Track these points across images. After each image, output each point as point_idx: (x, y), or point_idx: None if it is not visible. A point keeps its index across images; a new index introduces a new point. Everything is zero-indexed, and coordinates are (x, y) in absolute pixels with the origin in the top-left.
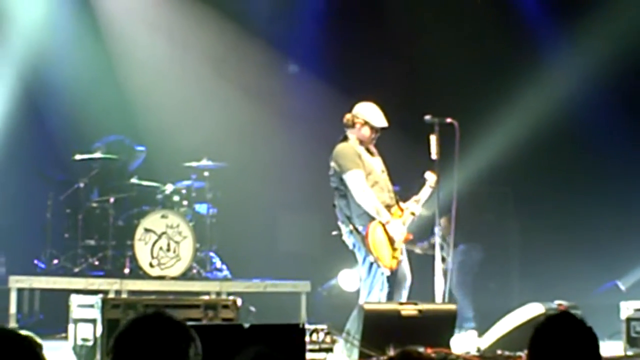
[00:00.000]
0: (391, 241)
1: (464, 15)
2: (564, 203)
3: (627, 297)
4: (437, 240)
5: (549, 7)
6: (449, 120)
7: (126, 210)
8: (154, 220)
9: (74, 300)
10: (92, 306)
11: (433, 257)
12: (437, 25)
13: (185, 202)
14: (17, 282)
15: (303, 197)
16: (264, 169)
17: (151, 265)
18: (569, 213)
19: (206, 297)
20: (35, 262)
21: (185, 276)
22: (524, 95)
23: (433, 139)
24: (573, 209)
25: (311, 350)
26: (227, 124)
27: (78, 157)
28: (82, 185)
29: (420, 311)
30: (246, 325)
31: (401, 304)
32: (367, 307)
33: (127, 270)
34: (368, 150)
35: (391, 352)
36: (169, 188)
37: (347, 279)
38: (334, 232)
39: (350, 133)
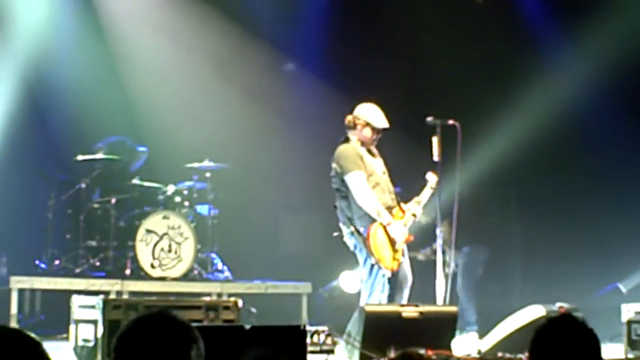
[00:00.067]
0: (392, 243)
1: (467, 16)
2: (565, 205)
3: (628, 300)
4: (439, 241)
5: (552, 8)
6: (451, 122)
7: (128, 211)
8: (155, 221)
9: (75, 300)
10: (93, 307)
11: (435, 260)
12: (440, 27)
13: (186, 203)
14: (18, 282)
15: (304, 199)
16: (265, 170)
17: (152, 266)
18: (570, 215)
19: (207, 298)
20: (37, 262)
21: (186, 277)
22: (526, 97)
23: (435, 140)
24: (575, 211)
25: (312, 352)
26: (229, 125)
27: (80, 157)
28: (83, 185)
29: (421, 313)
30: (247, 326)
31: (402, 305)
32: (368, 308)
33: (128, 271)
34: (369, 151)
35: (392, 354)
36: (170, 189)
37: (348, 281)
38: (335, 234)
39: (351, 134)
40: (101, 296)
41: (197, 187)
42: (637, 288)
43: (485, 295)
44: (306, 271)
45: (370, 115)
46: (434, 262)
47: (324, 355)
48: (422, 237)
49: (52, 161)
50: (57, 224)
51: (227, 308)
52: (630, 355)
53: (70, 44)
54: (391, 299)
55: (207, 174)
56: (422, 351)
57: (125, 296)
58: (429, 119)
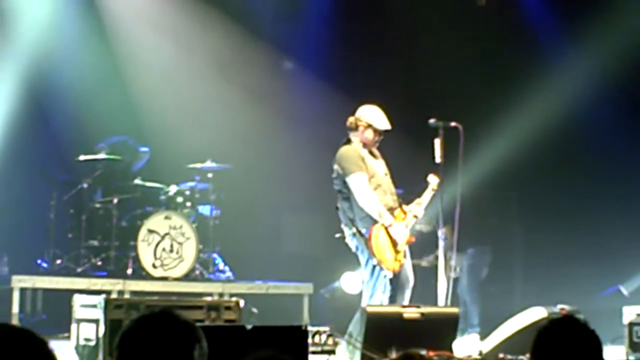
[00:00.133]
0: (394, 244)
1: (469, 18)
2: (567, 207)
3: (630, 302)
4: (441, 243)
5: (554, 9)
6: (453, 123)
7: (129, 211)
8: (157, 221)
9: (77, 300)
10: (95, 306)
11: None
12: (442, 28)
13: (188, 204)
14: (20, 281)
15: (306, 199)
16: (267, 170)
17: (154, 266)
18: (572, 217)
19: (209, 299)
20: (38, 261)
21: (188, 277)
22: (528, 99)
23: (437, 142)
24: (577, 213)
25: (313, 353)
26: (231, 126)
27: (82, 157)
28: (85, 185)
29: (422, 314)
30: (249, 326)
31: (404, 306)
32: (369, 309)
33: (129, 271)
34: (371, 153)
35: (393, 355)
36: (172, 189)
37: (350, 281)
38: (337, 235)
39: (353, 136)
40: (103, 296)
41: (199, 188)
42: (639, 290)
43: (486, 296)
44: (308, 272)
45: (372, 116)
46: (437, 265)
47: (325, 356)
48: (425, 245)
49: (54, 161)
50: (59, 223)
51: (228, 308)
52: (632, 358)
53: (72, 44)
54: (393, 300)
55: (209, 175)
56: (423, 352)
57: (126, 296)
58: (431, 120)
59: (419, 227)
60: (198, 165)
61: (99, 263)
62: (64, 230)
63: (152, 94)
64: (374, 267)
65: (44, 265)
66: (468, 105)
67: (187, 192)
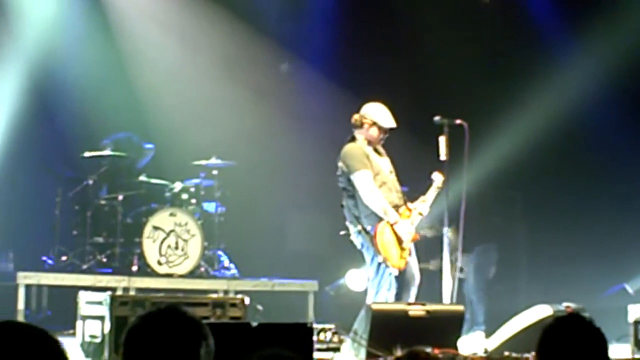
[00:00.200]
0: (399, 241)
1: (474, 16)
2: (572, 206)
3: (635, 300)
4: (446, 240)
5: (559, 8)
6: (458, 121)
7: (135, 207)
8: (162, 218)
9: (83, 297)
10: (100, 303)
11: (444, 262)
12: (447, 26)
13: (193, 201)
14: (25, 278)
15: (311, 197)
16: (272, 168)
17: (159, 263)
18: (576, 216)
19: (214, 296)
20: (44, 258)
21: (193, 274)
22: (533, 98)
23: (442, 140)
24: (581, 211)
25: (319, 350)
26: (236, 123)
27: (87, 154)
28: (90, 182)
29: (427, 312)
30: (254, 323)
31: (409, 304)
32: (374, 307)
33: (135, 268)
34: (376, 150)
35: (398, 352)
36: (177, 186)
37: (355, 279)
38: (342, 232)
39: (358, 133)
40: (108, 292)
41: (204, 185)
42: None
43: (491, 295)
44: (313, 269)
45: (377, 114)
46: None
47: (331, 353)
48: (431, 249)
49: (59, 158)
50: (64, 220)
51: (233, 305)
52: (637, 356)
53: (77, 41)
54: (398, 297)
55: (214, 172)
56: (428, 350)
57: (132, 293)
58: (436, 118)
59: (423, 232)
60: (203, 162)
61: (104, 260)
62: (69, 227)
63: (157, 91)
64: (379, 264)
65: (49, 262)
66: (472, 104)
67: (192, 189)
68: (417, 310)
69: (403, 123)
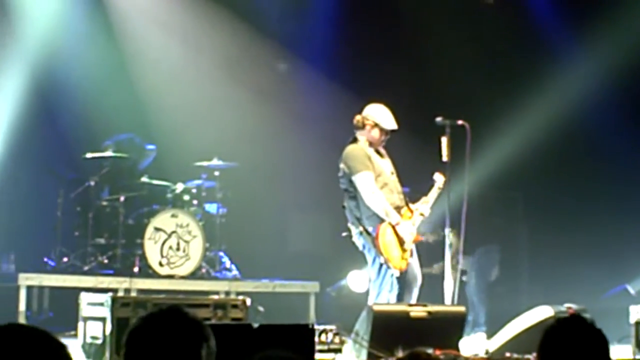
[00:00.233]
0: (401, 242)
1: (476, 17)
2: (573, 207)
3: (637, 301)
4: (447, 241)
5: (561, 10)
6: (460, 122)
7: (136, 209)
8: (164, 219)
9: (84, 298)
10: (102, 304)
11: (446, 263)
12: (449, 27)
13: (195, 202)
14: (26, 279)
15: (313, 198)
16: (274, 169)
17: (161, 264)
18: (578, 217)
19: (215, 297)
20: (45, 259)
21: (194, 275)
22: (534, 99)
23: (444, 140)
24: (582, 212)
25: (320, 351)
26: (238, 124)
27: (89, 155)
28: (92, 183)
29: (429, 313)
30: (255, 325)
31: (410, 305)
32: (376, 308)
33: (136, 269)
34: (378, 151)
35: (400, 354)
36: (179, 187)
37: (356, 280)
38: (344, 234)
39: (360, 134)
40: (110, 294)
41: (206, 186)
42: None
43: (493, 296)
44: (314, 270)
45: (379, 116)
46: (442, 260)
47: (332, 355)
48: (433, 254)
49: (61, 159)
50: (66, 221)
51: (235, 306)
52: (639, 357)
53: (80, 42)
54: (400, 298)
55: (216, 173)
56: (430, 351)
57: (133, 294)
58: (438, 119)
59: (425, 238)
60: (205, 163)
61: (106, 261)
62: (71, 228)
63: (159, 92)
64: (381, 265)
65: (51, 263)
66: (473, 105)
67: (194, 190)
68: (418, 312)
69: (404, 124)
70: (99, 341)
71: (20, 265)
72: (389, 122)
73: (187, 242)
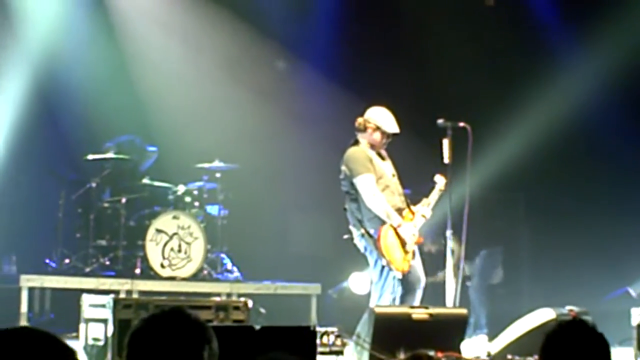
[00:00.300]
0: (403, 244)
1: (477, 19)
2: (574, 209)
3: (639, 304)
4: (449, 243)
5: (563, 11)
6: (461, 124)
7: (138, 210)
8: (165, 221)
9: (86, 299)
10: (103, 306)
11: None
12: (450, 29)
13: (196, 203)
14: (28, 281)
15: (314, 200)
16: (275, 171)
17: (162, 265)
18: (579, 219)
19: (217, 299)
20: (47, 261)
21: (196, 277)
22: (536, 101)
23: (445, 142)
24: (584, 214)
25: (322, 353)
26: (239, 126)
27: (90, 157)
28: (94, 185)
29: (431, 315)
30: (257, 327)
31: (412, 307)
32: (377, 310)
33: (138, 271)
34: (379, 154)
35: (401, 356)
36: (180, 189)
37: (358, 282)
38: (346, 236)
39: (361, 137)
40: (112, 295)
41: (207, 188)
42: None
43: (494, 298)
44: (315, 272)
45: (381, 119)
46: (444, 260)
47: (334, 357)
48: (436, 264)
49: (63, 160)
50: (67, 223)
51: (237, 308)
52: None
53: (81, 44)
54: (403, 300)
55: (217, 175)
56: (431, 353)
57: (135, 296)
58: (440, 121)
59: (427, 249)
60: (206, 165)
61: (107, 263)
62: (72, 229)
63: (160, 93)
64: (383, 267)
65: (52, 264)
66: (475, 107)
67: (195, 192)
68: (420, 314)
69: (406, 125)
70: (101, 343)
71: (22, 267)
72: (391, 125)
73: (188, 243)
